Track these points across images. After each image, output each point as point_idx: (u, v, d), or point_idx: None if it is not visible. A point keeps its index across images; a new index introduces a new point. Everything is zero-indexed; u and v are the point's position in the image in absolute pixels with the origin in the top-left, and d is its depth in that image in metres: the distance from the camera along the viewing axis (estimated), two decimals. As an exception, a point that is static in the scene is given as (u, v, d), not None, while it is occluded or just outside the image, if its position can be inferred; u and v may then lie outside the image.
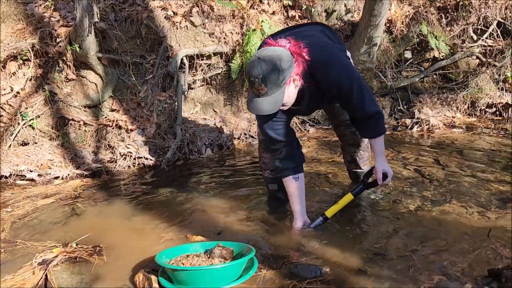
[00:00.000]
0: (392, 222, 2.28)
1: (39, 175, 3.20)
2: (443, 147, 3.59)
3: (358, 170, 2.64)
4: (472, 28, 4.48)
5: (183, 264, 1.79)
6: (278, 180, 2.50)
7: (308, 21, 4.30)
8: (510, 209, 2.33)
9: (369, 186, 2.26)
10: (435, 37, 4.34)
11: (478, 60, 4.51)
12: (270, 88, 1.82)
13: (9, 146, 3.44)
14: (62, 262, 1.96)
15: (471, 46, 4.45)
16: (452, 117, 4.37)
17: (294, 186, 2.18)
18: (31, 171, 3.21)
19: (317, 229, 2.17)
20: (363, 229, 2.26)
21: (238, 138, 3.96)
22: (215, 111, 4.19)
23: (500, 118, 4.38)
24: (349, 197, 2.21)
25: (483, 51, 4.49)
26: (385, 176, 2.17)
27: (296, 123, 4.28)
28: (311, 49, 1.92)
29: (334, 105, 2.36)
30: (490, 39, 4.48)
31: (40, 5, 3.87)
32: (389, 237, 2.12)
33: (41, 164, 3.29)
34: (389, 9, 4.32)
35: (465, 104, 4.46)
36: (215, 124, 4.00)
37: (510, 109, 4.36)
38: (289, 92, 1.90)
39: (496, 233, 2.07)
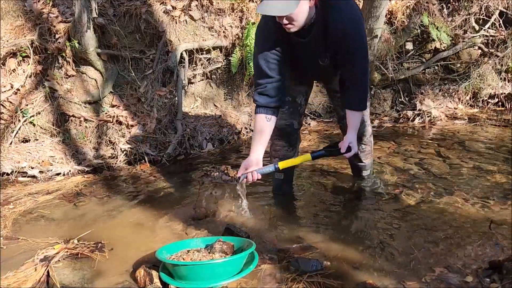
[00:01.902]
0: (393, 215, 2.28)
1: (41, 172, 3.21)
2: (445, 138, 3.58)
3: (360, 164, 2.62)
4: (474, 18, 4.43)
5: (184, 259, 1.79)
6: (284, 170, 2.51)
7: None
8: (511, 200, 2.32)
9: (330, 153, 2.19)
10: (437, 28, 4.30)
11: (480, 51, 4.47)
12: None
13: (10, 143, 3.44)
14: (64, 259, 1.97)
15: (473, 37, 4.41)
16: (454, 108, 4.35)
17: (264, 124, 2.09)
18: (32, 168, 3.21)
19: (264, 174, 2.07)
20: (364, 222, 2.26)
21: (239, 132, 3.95)
22: (215, 106, 4.18)
23: (502, 108, 4.35)
24: (307, 157, 2.14)
25: (485, 41, 4.45)
26: (349, 149, 2.12)
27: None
28: None
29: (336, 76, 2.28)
30: (492, 29, 4.44)
31: (38, 1, 3.86)
32: (390, 230, 2.12)
33: (42, 161, 3.29)
34: (390, 0, 4.28)
35: (467, 95, 4.43)
36: (215, 119, 3.99)
37: (512, 99, 4.34)
38: (302, 8, 1.86)
39: (498, 225, 2.07)
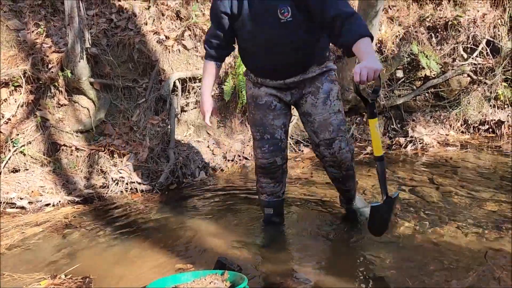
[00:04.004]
0: (387, 244, 2.24)
1: (30, 203, 3.14)
2: (438, 165, 3.58)
3: (346, 190, 2.50)
4: (462, 46, 4.52)
5: (174, 295, 1.74)
6: (273, 205, 2.49)
7: None
8: (506, 230, 2.30)
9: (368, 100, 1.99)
10: (426, 56, 4.38)
11: (469, 78, 4.55)
12: None
13: None
14: (49, 295, 1.91)
15: (462, 65, 4.49)
16: (446, 135, 4.38)
17: (214, 70, 2.41)
18: (21, 199, 3.15)
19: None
20: (358, 253, 2.22)
21: (232, 160, 3.93)
22: (208, 134, 4.18)
23: (493, 135, 4.40)
24: (373, 122, 1.93)
25: (474, 69, 4.53)
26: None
27: (290, 144, 4.27)
28: None
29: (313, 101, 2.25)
30: (480, 57, 4.53)
31: (32, 31, 3.89)
32: (384, 261, 2.08)
33: (32, 191, 3.24)
34: (379, 30, 4.37)
35: (458, 121, 4.47)
36: (208, 147, 3.98)
37: (502, 126, 4.38)
38: None
39: (493, 254, 2.04)
